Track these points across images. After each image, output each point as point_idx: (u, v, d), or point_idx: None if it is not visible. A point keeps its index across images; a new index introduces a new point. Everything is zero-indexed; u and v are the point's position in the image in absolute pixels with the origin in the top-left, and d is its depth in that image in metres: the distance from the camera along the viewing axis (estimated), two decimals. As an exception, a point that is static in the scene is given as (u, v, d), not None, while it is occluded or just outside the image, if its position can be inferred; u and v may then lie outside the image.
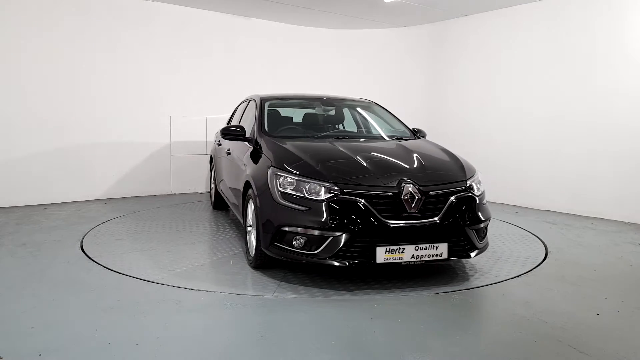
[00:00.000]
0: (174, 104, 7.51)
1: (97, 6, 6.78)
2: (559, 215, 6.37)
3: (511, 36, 7.11)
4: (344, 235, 3.29)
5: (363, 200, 3.36)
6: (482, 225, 3.70)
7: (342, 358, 2.53)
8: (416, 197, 3.43)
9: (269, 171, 3.66)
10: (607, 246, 4.85)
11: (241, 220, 4.50)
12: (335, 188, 3.39)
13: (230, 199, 5.03)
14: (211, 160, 6.64)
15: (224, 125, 6.14)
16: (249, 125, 4.88)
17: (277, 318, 3.02)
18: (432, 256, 3.44)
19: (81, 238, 4.82)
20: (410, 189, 3.44)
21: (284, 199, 3.48)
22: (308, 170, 3.55)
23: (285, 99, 5.32)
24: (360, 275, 3.82)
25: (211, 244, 4.74)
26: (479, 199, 3.75)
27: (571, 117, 6.45)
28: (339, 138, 4.54)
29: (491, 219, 3.98)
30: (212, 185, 6.51)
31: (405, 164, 3.79)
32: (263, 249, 3.63)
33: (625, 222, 5.92)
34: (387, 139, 4.78)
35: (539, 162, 6.80)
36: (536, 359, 2.58)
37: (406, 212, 3.40)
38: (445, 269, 3.98)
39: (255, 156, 4.12)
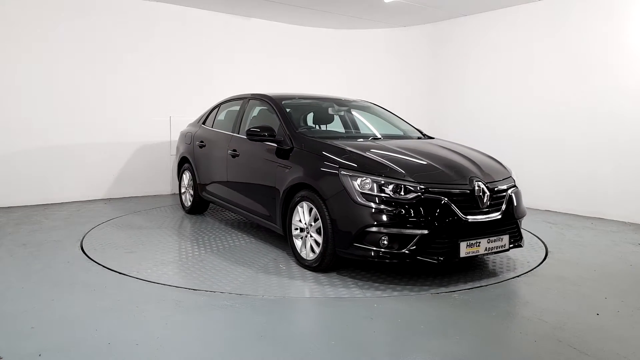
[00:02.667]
0: (174, 103, 7.51)
1: (98, 6, 6.78)
2: (559, 215, 6.37)
3: (511, 36, 7.11)
4: (431, 232, 3.42)
5: (446, 198, 3.52)
6: (524, 217, 4.06)
7: (342, 358, 2.53)
8: (486, 193, 3.68)
9: (341, 173, 3.63)
10: (607, 246, 4.85)
11: (270, 224, 4.40)
12: (421, 187, 3.51)
13: (244, 203, 4.81)
14: (182, 162, 6.23)
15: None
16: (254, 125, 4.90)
17: (276, 318, 3.02)
18: (499, 247, 3.71)
19: (81, 238, 4.82)
20: (481, 185, 3.68)
21: (366, 200, 3.49)
22: (385, 171, 3.60)
23: (298, 99, 5.17)
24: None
25: (238, 250, 4.49)
26: (519, 193, 4.08)
27: (571, 117, 6.45)
28: (375, 138, 4.64)
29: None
30: (185, 189, 6.14)
31: (463, 162, 3.98)
32: (339, 250, 3.62)
33: (625, 222, 5.92)
34: (413, 138, 4.90)
35: (539, 161, 6.80)
36: (536, 359, 2.58)
37: (478, 208, 3.61)
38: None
39: (297, 158, 4.07)
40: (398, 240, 3.43)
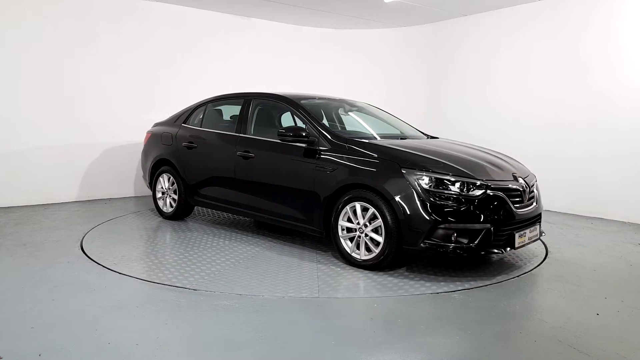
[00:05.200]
0: (173, 103, 7.44)
1: (98, 6, 6.78)
2: (559, 215, 6.37)
3: (511, 36, 7.11)
4: (494, 226, 3.66)
5: (503, 194, 3.78)
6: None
7: (342, 358, 2.53)
8: (527, 188, 4.02)
9: (406, 172, 3.71)
10: (607, 246, 4.85)
11: (305, 227, 4.34)
12: (485, 185, 3.73)
13: (265, 207, 4.65)
14: (158, 165, 5.75)
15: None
16: (261, 126, 4.90)
17: (276, 318, 3.02)
18: (535, 237, 4.06)
19: (81, 238, 4.81)
20: (523, 181, 4.02)
21: (436, 198, 3.62)
22: (449, 169, 3.77)
23: (311, 99, 5.04)
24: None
25: (272, 252, 4.42)
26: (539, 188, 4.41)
27: (571, 117, 6.45)
28: (402, 138, 4.76)
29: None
30: (165, 193, 5.70)
31: (499, 161, 4.26)
32: (407, 248, 3.70)
33: (625, 222, 5.92)
34: (423, 138, 5.04)
35: (538, 161, 6.77)
36: (536, 359, 2.58)
37: (523, 202, 3.93)
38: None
39: (342, 158, 4.05)
40: (467, 235, 3.63)
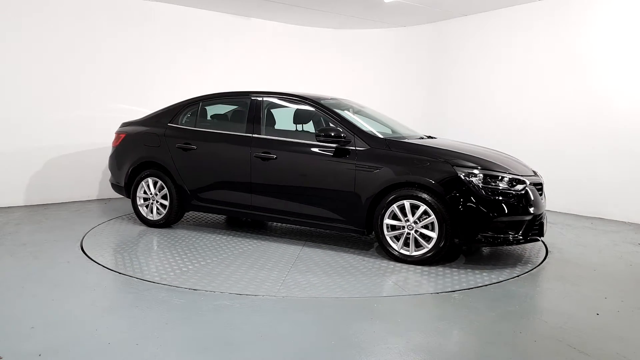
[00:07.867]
0: (172, 103, 7.50)
1: (99, 7, 6.78)
2: (559, 215, 6.37)
3: (511, 36, 7.11)
4: (532, 217, 4.01)
5: (534, 188, 4.14)
6: None
7: (342, 358, 2.53)
8: (543, 183, 4.44)
9: (457, 170, 3.96)
10: (607, 246, 4.85)
11: (343, 227, 4.36)
12: (524, 180, 4.06)
13: (291, 209, 4.56)
14: (140, 169, 5.30)
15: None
16: (279, 127, 4.90)
17: (277, 318, 3.02)
18: (548, 225, 4.41)
19: (81, 238, 4.81)
20: (540, 175, 4.46)
21: (488, 193, 3.91)
22: (495, 167, 4.09)
23: (327, 100, 4.99)
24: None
25: (313, 253, 4.43)
26: None
27: (571, 117, 6.45)
28: (421, 138, 4.94)
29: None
30: (151, 199, 5.24)
31: (513, 158, 4.61)
32: (462, 241, 3.96)
33: (625, 222, 5.92)
34: (425, 137, 5.15)
35: (538, 161, 6.77)
36: (536, 359, 2.58)
37: (542, 194, 4.31)
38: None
39: (386, 159, 4.17)
40: (514, 226, 3.97)
